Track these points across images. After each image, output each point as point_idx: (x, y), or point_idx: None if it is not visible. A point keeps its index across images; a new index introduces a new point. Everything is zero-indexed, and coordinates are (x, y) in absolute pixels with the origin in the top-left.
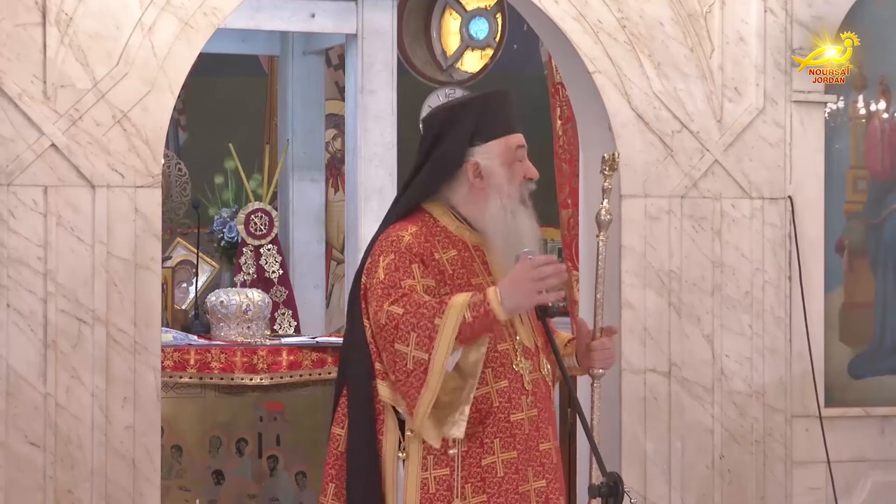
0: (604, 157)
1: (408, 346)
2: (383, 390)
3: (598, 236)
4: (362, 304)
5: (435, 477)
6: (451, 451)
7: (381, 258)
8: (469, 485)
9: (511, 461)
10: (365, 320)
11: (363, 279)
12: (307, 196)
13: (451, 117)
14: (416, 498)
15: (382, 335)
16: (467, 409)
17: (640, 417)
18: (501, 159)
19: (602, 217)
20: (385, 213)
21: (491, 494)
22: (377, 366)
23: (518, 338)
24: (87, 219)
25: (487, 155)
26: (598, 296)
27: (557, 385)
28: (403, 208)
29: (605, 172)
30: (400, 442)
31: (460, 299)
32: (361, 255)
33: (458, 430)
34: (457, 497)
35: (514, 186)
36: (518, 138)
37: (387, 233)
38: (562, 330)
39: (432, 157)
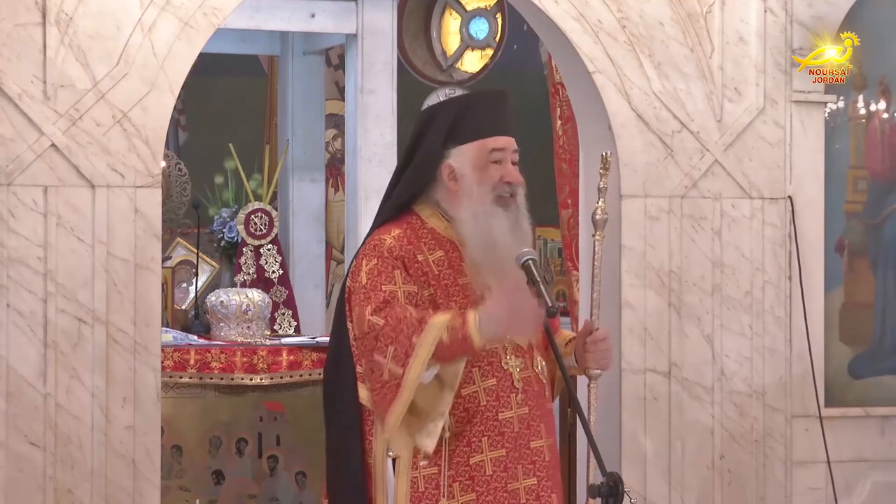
0: (602, 155)
1: (385, 358)
2: (363, 393)
3: (594, 236)
4: (346, 308)
5: (424, 475)
6: (421, 463)
7: (365, 262)
8: (457, 483)
9: (499, 459)
10: (349, 323)
11: (348, 282)
12: (307, 196)
13: (432, 118)
14: (407, 497)
15: (364, 342)
16: (440, 424)
17: (640, 417)
18: (473, 163)
19: (598, 217)
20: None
21: (480, 493)
22: (358, 368)
23: (508, 336)
24: (87, 219)
25: (461, 158)
26: (594, 295)
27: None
28: (390, 210)
29: (600, 171)
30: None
31: (440, 320)
32: None
33: (430, 443)
34: (444, 496)
35: (485, 189)
36: (495, 141)
37: (371, 237)
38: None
39: (414, 157)
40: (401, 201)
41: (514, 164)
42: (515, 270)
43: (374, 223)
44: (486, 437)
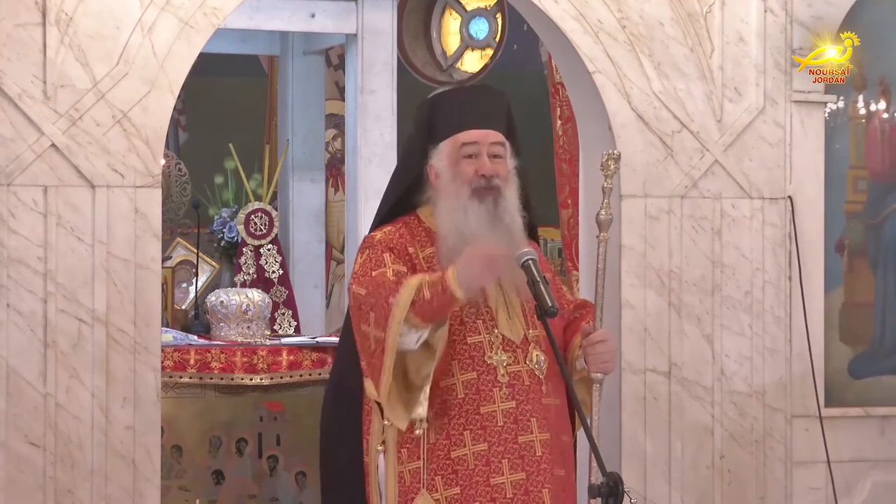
0: (609, 154)
1: (369, 325)
2: (369, 388)
3: (598, 236)
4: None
5: (409, 469)
6: (416, 432)
7: (359, 257)
8: (440, 477)
9: (481, 453)
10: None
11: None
12: (307, 196)
13: (416, 118)
14: (395, 491)
15: (353, 319)
16: (427, 389)
17: (640, 417)
18: (448, 160)
19: (602, 217)
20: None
21: (464, 487)
22: (363, 364)
23: (497, 330)
24: (87, 219)
25: (438, 157)
26: (596, 297)
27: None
28: (384, 211)
29: (606, 172)
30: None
31: (415, 279)
32: None
33: (421, 410)
34: (424, 487)
35: (459, 185)
36: (467, 135)
37: (365, 237)
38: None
39: (401, 158)
40: (388, 206)
41: (496, 157)
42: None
43: (371, 225)
44: (467, 431)
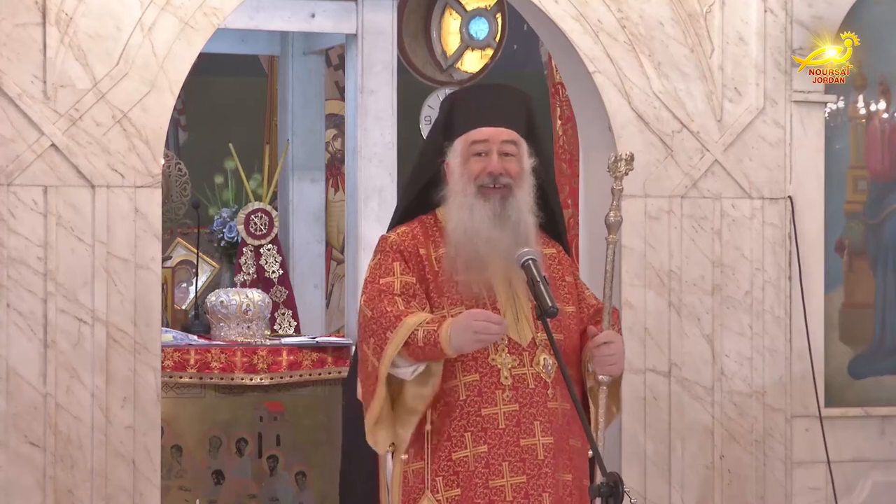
0: (618, 156)
1: (368, 348)
2: (359, 389)
3: (607, 238)
4: None
5: (413, 470)
6: (403, 457)
7: (372, 259)
8: (441, 478)
9: (481, 455)
10: None
11: None
12: (307, 196)
13: (437, 117)
14: (399, 490)
15: (359, 334)
16: (415, 419)
17: (640, 417)
18: (460, 157)
19: (612, 219)
20: (391, 209)
21: (464, 488)
22: (360, 379)
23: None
24: (87, 219)
25: (454, 154)
26: (604, 300)
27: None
28: (400, 210)
29: (616, 174)
30: None
31: (413, 320)
32: (362, 255)
33: (405, 433)
34: (428, 489)
35: (466, 182)
36: (477, 133)
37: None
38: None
39: (419, 155)
40: (404, 204)
41: (507, 155)
42: (496, 262)
43: (389, 223)
44: (468, 433)
